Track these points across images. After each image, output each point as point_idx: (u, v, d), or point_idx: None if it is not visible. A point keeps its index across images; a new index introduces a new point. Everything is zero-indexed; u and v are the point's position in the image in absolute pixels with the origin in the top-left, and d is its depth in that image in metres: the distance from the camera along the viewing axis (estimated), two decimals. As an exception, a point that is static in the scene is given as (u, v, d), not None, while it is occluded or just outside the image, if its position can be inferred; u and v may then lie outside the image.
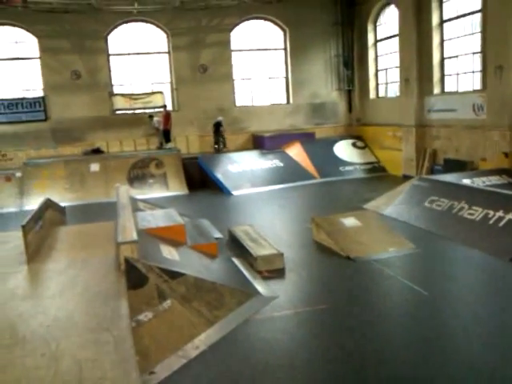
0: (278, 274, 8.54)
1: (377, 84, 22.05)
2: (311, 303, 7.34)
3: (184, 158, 19.31)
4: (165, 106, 20.70)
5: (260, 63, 22.28)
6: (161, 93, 20.91)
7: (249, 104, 22.28)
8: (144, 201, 13.09)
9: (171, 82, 21.54)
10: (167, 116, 20.07)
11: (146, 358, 5.35)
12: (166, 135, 20.19)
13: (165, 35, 21.24)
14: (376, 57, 21.81)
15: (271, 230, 11.48)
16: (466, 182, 13.10)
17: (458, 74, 17.01)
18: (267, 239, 9.70)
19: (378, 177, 19.40)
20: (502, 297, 7.42)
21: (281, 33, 22.39)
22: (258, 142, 21.32)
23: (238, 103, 22.11)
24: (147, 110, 20.74)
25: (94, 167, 18.32)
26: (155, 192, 17.90)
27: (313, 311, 7.04)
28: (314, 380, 5.29)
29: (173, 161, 18.91)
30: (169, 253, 7.92)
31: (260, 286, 7.89)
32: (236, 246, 9.92)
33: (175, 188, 18.24)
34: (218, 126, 20.28)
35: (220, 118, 20.38)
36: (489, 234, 9.52)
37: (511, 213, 9.46)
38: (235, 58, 21.87)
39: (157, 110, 20.67)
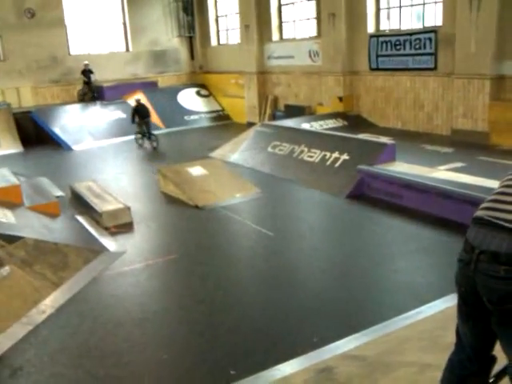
0: (126, 228, 8.31)
1: (218, 30, 21.88)
2: (162, 254, 7.29)
3: (15, 113, 17.66)
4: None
5: (95, 8, 20.86)
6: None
7: (85, 52, 20.88)
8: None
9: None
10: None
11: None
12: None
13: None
14: (216, 2, 21.53)
15: (117, 184, 11.10)
16: (305, 126, 13.77)
17: (294, 21, 17.49)
18: (112, 194, 9.36)
19: (223, 125, 19.56)
20: (340, 232, 8.01)
21: (116, -25, 21.14)
22: (97, 93, 20.18)
23: (73, 51, 20.65)
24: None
25: None
26: (-16, 152, 16.27)
27: (164, 262, 7.00)
28: (166, 327, 5.30)
29: (2, 116, 17.21)
30: (3, 216, 7.30)
31: (107, 242, 7.63)
32: (80, 203, 9.42)
33: (7, 146, 16.62)
34: (87, 73, 19.19)
35: (86, 62, 19.27)
36: (327, 175, 10.13)
37: (346, 153, 10.12)
38: (67, 2, 20.22)
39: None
